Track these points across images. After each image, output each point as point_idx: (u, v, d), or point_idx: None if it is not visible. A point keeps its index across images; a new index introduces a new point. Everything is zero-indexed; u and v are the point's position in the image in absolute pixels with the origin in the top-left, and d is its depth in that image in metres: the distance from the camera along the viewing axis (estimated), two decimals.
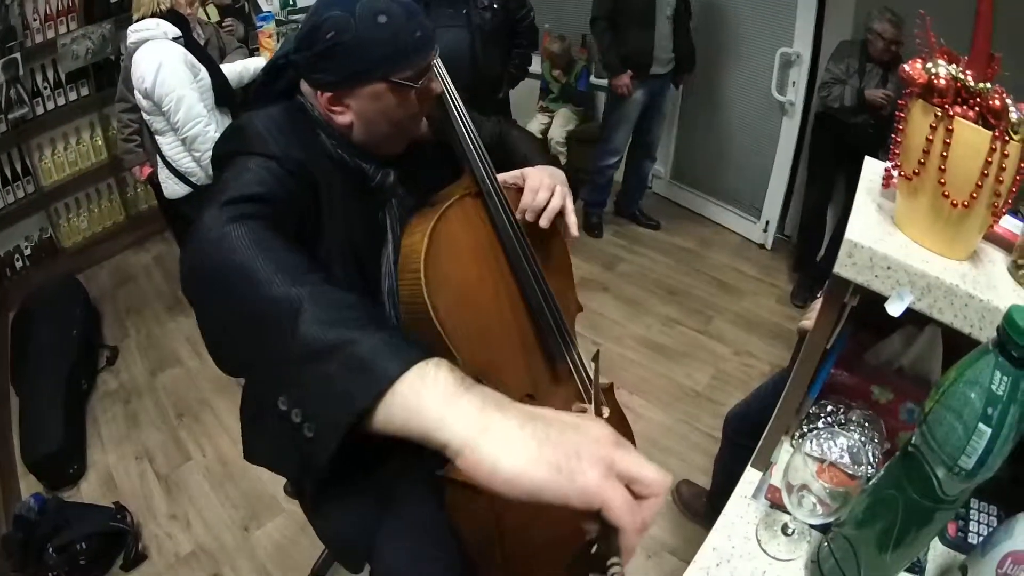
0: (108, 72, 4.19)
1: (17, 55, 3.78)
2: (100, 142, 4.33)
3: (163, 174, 3.08)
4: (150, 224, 4.70)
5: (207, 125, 2.86)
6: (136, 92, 2.88)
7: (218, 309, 0.81)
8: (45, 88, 4.00)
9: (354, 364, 0.64)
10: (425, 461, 1.44)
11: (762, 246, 4.55)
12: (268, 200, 0.98)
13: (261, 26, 3.83)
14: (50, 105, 4.05)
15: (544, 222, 1.33)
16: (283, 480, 2.72)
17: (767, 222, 4.49)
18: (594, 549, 0.62)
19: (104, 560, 2.51)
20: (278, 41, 3.87)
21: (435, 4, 3.16)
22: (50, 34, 3.92)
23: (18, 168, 3.98)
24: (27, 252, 4.18)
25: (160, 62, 2.76)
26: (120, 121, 3.28)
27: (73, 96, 4.12)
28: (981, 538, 1.11)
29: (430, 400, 0.62)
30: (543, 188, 1.33)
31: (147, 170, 3.22)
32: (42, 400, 3.09)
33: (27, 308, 3.61)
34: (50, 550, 2.37)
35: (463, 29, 3.26)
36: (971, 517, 1.19)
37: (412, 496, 1.42)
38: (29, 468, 2.88)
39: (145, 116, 2.97)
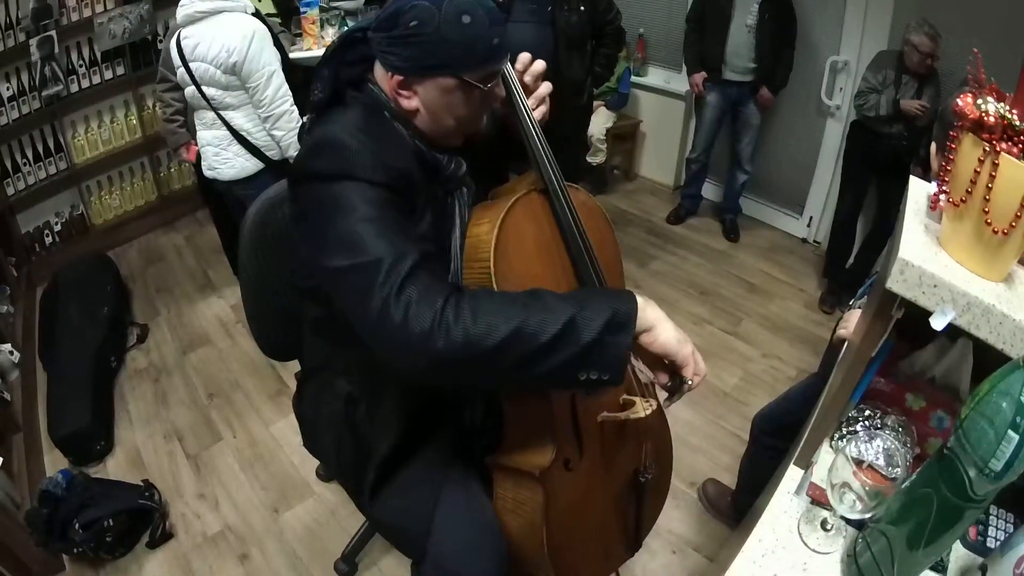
0: (144, 52, 4.23)
1: (52, 33, 3.83)
2: (135, 121, 4.38)
3: (229, 152, 2.97)
4: (182, 204, 4.78)
5: (293, 103, 2.81)
6: (207, 65, 2.75)
7: (499, 369, 1.04)
8: (80, 66, 4.05)
9: (613, 325, 1.05)
10: (477, 451, 1.51)
11: (804, 240, 4.67)
12: (416, 251, 1.08)
13: (305, 12, 3.82)
14: (85, 83, 4.10)
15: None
16: (314, 463, 2.75)
17: (810, 217, 4.60)
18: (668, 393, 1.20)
19: (130, 538, 2.50)
20: (322, 28, 3.89)
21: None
22: (86, 13, 3.97)
23: (51, 144, 4.05)
24: (57, 228, 4.25)
25: (252, 34, 2.70)
26: (162, 101, 3.25)
27: (108, 75, 4.17)
28: (999, 542, 1.20)
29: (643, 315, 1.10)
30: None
31: (194, 150, 3.17)
32: (70, 376, 3.10)
33: (57, 284, 3.62)
34: (76, 526, 2.34)
35: (546, 28, 3.12)
36: (990, 523, 1.25)
37: (469, 483, 1.48)
38: (55, 444, 2.87)
39: (214, 91, 2.83)
